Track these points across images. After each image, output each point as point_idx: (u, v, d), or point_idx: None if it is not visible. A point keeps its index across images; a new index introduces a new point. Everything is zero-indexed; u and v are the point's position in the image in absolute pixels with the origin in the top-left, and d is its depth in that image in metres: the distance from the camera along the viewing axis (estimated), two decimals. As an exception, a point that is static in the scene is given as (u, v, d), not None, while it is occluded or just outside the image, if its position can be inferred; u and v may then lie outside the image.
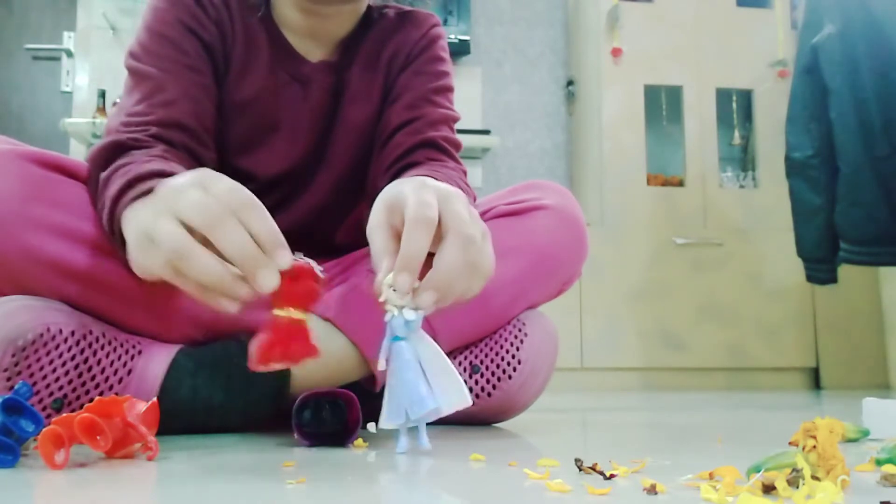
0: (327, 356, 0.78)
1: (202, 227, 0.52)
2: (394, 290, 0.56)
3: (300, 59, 0.90)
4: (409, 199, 0.58)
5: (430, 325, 0.77)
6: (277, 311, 0.54)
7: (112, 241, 0.67)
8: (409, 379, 0.57)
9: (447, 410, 0.58)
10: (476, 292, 0.61)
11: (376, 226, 0.60)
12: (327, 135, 0.93)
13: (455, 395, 0.59)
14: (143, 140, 0.76)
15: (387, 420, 0.59)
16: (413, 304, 0.57)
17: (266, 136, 0.90)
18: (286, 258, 0.54)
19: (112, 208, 0.64)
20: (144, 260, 0.57)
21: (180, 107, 0.81)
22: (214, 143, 0.86)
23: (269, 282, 0.53)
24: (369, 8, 0.93)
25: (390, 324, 0.57)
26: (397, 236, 0.59)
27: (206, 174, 0.56)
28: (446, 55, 0.97)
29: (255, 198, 0.54)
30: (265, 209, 0.54)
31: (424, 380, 0.58)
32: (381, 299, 0.57)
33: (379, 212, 0.61)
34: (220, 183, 0.55)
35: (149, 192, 0.60)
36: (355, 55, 0.92)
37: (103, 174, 0.70)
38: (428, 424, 0.60)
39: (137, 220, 0.59)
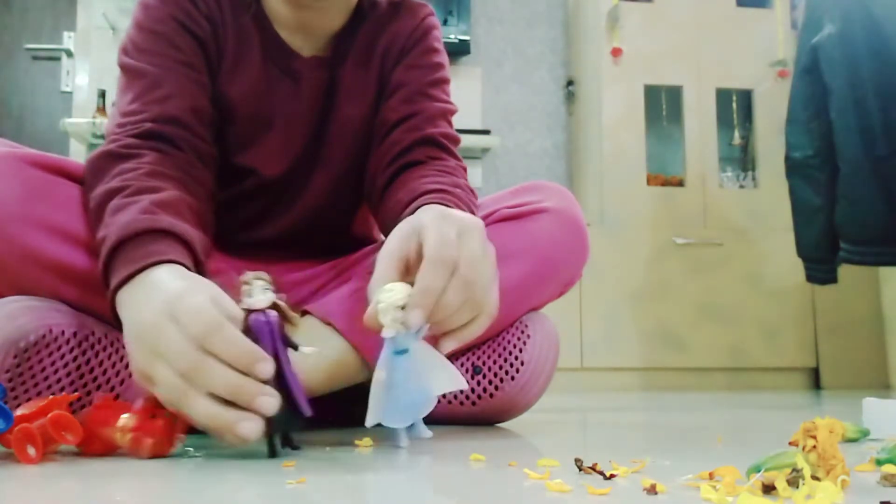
0: (328, 359, 0.78)
1: (186, 377, 0.53)
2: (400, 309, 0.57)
3: (292, 53, 0.89)
4: (430, 234, 0.59)
5: None
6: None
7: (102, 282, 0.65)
8: (415, 387, 0.59)
9: (441, 392, 0.61)
10: (481, 330, 0.62)
11: (386, 253, 0.61)
12: (322, 132, 0.92)
13: (447, 380, 0.60)
14: (134, 145, 0.75)
15: (389, 420, 0.59)
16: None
17: (261, 133, 0.90)
18: (267, 369, 0.53)
19: (106, 267, 0.63)
20: (148, 388, 0.57)
21: (175, 102, 0.80)
22: (214, 138, 0.85)
23: (270, 406, 0.53)
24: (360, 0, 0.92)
25: (393, 339, 0.58)
26: (405, 266, 0.60)
27: (175, 298, 0.55)
28: (440, 46, 0.95)
29: (215, 318, 0.53)
30: (229, 326, 0.54)
31: (425, 381, 0.59)
32: (387, 320, 0.57)
33: (393, 239, 0.61)
34: (185, 310, 0.54)
35: (139, 272, 0.60)
36: (348, 50, 0.91)
37: (95, 193, 0.71)
38: (427, 424, 0.62)
39: (132, 353, 0.57)
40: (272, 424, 0.54)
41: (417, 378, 0.59)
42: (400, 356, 0.58)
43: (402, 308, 0.57)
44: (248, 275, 0.57)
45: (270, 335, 0.55)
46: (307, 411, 0.57)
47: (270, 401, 0.53)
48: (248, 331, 0.55)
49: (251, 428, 0.52)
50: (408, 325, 0.57)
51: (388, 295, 0.57)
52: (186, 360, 0.52)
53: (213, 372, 0.52)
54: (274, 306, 0.57)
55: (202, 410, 0.52)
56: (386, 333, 0.58)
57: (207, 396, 0.53)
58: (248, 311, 0.56)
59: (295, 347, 0.58)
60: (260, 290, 0.56)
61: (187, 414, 0.53)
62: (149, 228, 0.63)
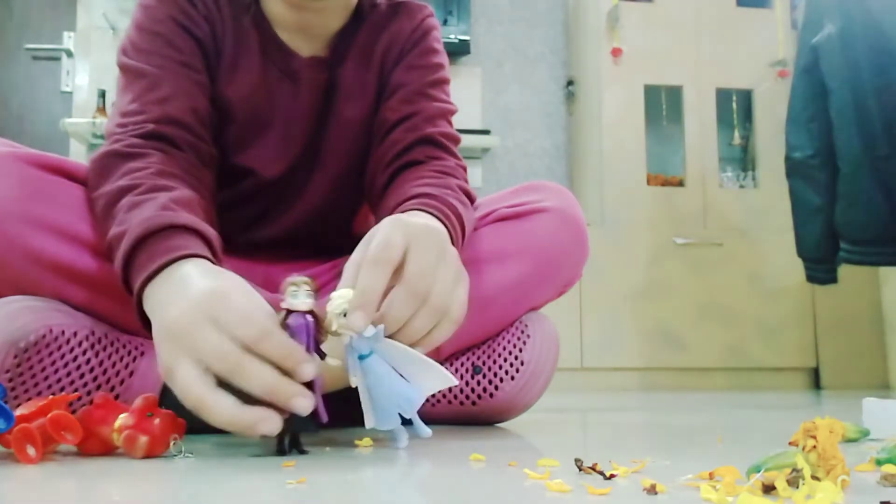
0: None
1: (225, 376, 0.53)
2: (344, 316, 0.57)
3: (291, 54, 0.89)
4: (375, 239, 0.59)
5: None
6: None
7: (120, 281, 0.66)
8: (389, 388, 0.59)
9: (431, 392, 0.61)
10: (445, 336, 0.62)
11: (349, 262, 0.61)
12: (322, 133, 0.92)
13: (434, 379, 0.60)
14: (139, 145, 0.75)
15: (379, 423, 0.60)
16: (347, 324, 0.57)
17: (260, 134, 0.90)
18: (309, 371, 0.54)
19: (126, 263, 0.64)
20: (171, 385, 0.56)
21: (175, 103, 0.80)
22: (213, 139, 0.85)
23: (305, 407, 0.53)
24: (360, 0, 0.92)
25: (350, 345, 0.58)
26: None
27: (214, 298, 0.55)
28: (440, 46, 0.95)
29: (265, 323, 0.54)
30: (278, 330, 0.55)
31: (402, 380, 0.59)
32: (334, 328, 0.57)
33: (358, 248, 0.62)
34: (229, 312, 0.54)
35: (165, 266, 0.60)
36: (348, 50, 0.91)
37: (102, 191, 0.71)
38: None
39: (159, 348, 0.57)
40: (289, 424, 0.55)
41: (385, 380, 0.59)
42: (364, 360, 0.58)
43: (345, 314, 0.57)
44: (296, 277, 0.58)
45: (307, 338, 0.57)
46: (324, 417, 0.57)
47: (305, 401, 0.53)
48: (286, 329, 0.56)
49: (271, 428, 0.53)
50: (353, 329, 0.56)
51: (332, 303, 0.58)
52: (227, 362, 0.53)
53: (252, 372, 0.53)
54: (311, 313, 0.58)
55: (225, 410, 0.53)
56: (340, 340, 0.58)
57: (230, 395, 0.53)
58: (289, 311, 0.57)
59: (322, 356, 0.59)
60: (305, 294, 0.57)
61: (208, 412, 0.53)
62: (171, 224, 0.64)
